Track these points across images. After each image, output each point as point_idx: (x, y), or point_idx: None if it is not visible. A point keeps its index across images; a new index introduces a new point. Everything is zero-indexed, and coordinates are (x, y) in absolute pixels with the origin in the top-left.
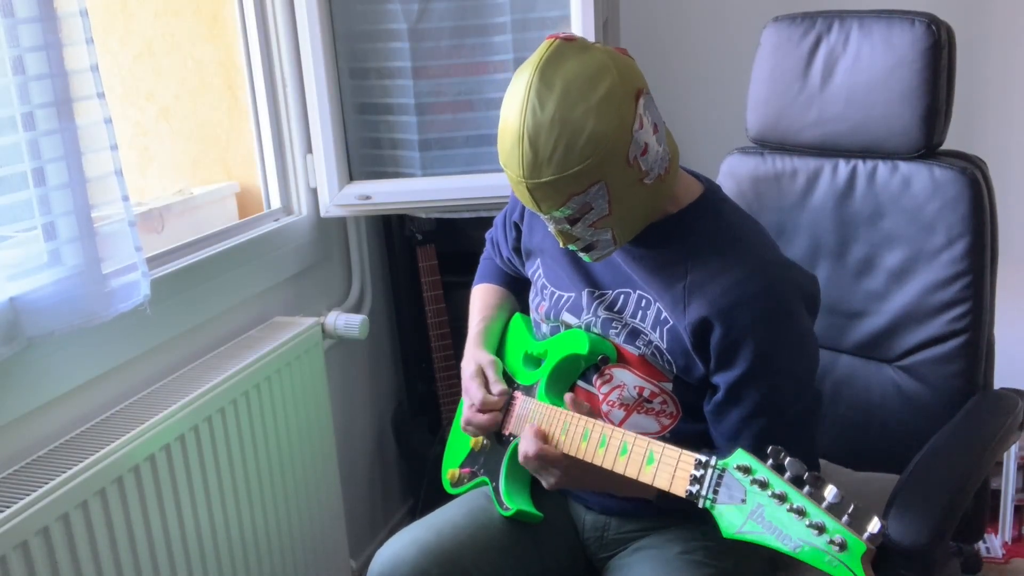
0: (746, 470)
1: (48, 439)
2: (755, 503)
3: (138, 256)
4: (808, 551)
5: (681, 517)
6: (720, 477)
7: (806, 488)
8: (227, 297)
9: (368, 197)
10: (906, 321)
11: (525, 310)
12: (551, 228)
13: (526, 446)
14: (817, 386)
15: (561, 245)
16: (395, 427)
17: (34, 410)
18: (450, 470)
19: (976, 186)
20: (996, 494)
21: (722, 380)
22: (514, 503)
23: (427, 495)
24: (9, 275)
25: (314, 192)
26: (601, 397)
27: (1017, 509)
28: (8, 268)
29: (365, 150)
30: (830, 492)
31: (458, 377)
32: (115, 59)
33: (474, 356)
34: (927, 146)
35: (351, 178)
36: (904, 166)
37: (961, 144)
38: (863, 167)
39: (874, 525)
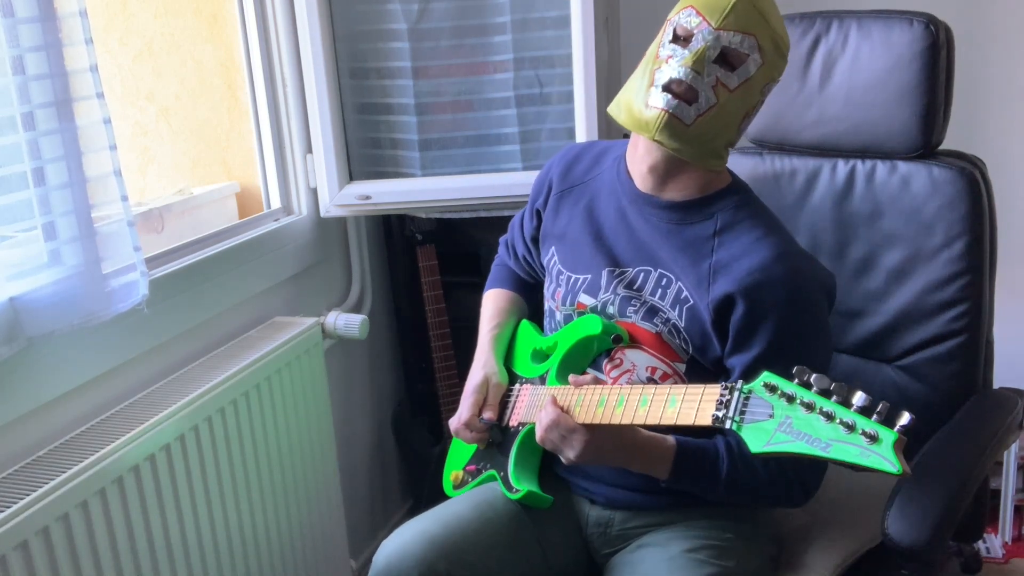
0: (772, 388)
1: (48, 439)
2: (783, 416)
3: (137, 256)
4: (839, 448)
5: (684, 514)
6: (747, 399)
7: (834, 397)
8: (227, 297)
9: (368, 197)
10: (905, 321)
11: (535, 315)
12: (687, 60)
13: (544, 415)
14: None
15: (678, 73)
16: (395, 427)
17: (34, 410)
18: (453, 472)
19: (975, 186)
20: (996, 494)
21: (738, 361)
22: (523, 485)
23: (428, 497)
24: (9, 275)
25: (314, 192)
26: (610, 382)
27: (1017, 509)
28: (8, 268)
29: (365, 150)
30: (859, 397)
31: (458, 377)
32: (115, 59)
33: (484, 366)
34: (926, 146)
35: (351, 178)
36: (903, 166)
37: (960, 144)
38: (862, 167)
39: (905, 418)
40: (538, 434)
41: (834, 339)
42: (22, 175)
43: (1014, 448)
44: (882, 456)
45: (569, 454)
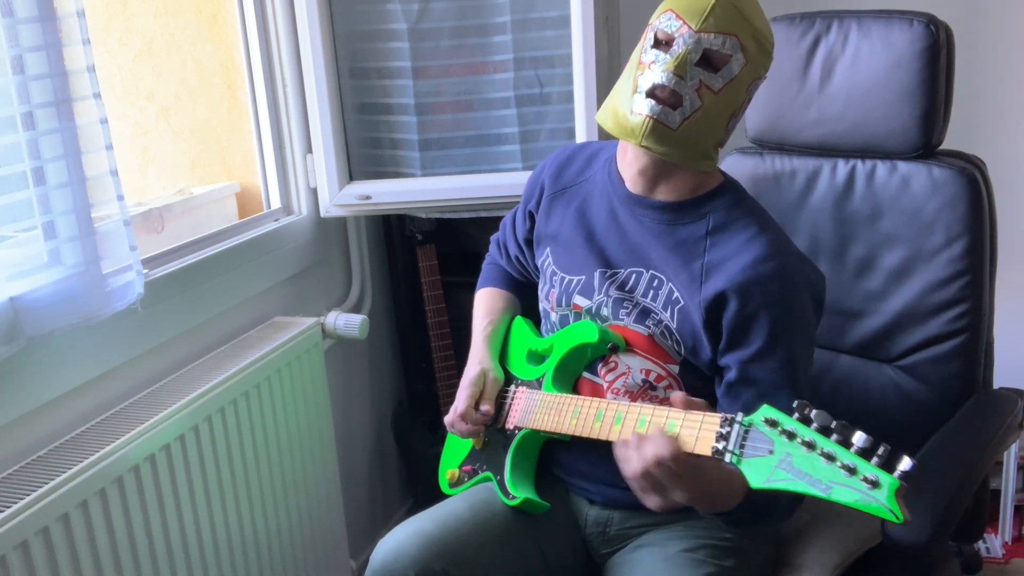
0: (773, 423)
1: (48, 439)
2: (783, 452)
3: (132, 256)
4: (839, 491)
5: (683, 514)
6: (747, 433)
7: (834, 436)
8: (227, 297)
9: (368, 197)
10: (905, 321)
11: (528, 313)
12: (669, 65)
13: (657, 446)
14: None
15: (661, 78)
16: (395, 427)
17: (34, 410)
18: (449, 470)
19: (975, 186)
20: (996, 494)
21: (734, 359)
22: (520, 492)
23: (425, 496)
24: (9, 275)
25: (314, 192)
26: (606, 386)
27: (1017, 509)
28: (8, 268)
29: (365, 150)
30: (859, 437)
31: (458, 377)
32: (115, 59)
33: (480, 361)
34: (926, 146)
35: (351, 178)
36: (903, 166)
37: (960, 144)
38: (862, 167)
39: (905, 464)
40: (635, 468)
41: (834, 339)
42: (22, 175)
43: (1014, 448)
44: (883, 504)
45: (675, 496)
